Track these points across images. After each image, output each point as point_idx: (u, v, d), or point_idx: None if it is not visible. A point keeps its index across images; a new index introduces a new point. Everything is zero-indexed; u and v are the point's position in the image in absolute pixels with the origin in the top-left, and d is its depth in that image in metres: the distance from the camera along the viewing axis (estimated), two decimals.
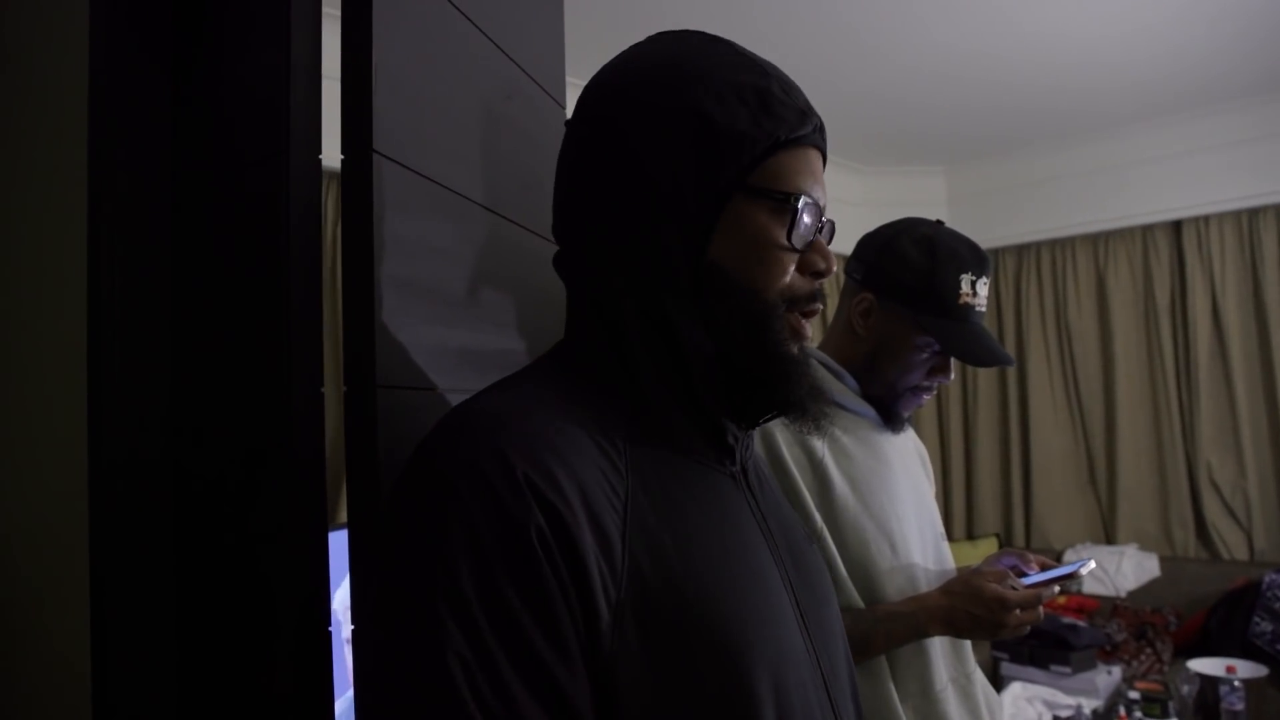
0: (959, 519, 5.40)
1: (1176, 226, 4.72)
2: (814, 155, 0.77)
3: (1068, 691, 3.26)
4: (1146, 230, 4.80)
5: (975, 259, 1.42)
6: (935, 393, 1.46)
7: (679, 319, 0.72)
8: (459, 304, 1.03)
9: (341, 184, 0.86)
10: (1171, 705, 3.08)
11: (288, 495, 0.85)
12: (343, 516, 2.63)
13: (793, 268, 0.75)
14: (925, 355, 1.42)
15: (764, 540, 0.76)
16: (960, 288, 1.40)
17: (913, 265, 1.41)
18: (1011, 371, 5.26)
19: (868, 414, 1.45)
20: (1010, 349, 5.28)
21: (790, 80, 0.77)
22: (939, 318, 1.39)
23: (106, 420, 0.91)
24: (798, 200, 0.73)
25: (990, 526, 5.30)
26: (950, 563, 1.49)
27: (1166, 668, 3.75)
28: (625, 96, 0.75)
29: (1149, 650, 3.84)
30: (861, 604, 1.30)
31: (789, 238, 0.73)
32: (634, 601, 0.62)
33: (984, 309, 1.45)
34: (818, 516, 1.31)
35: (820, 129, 0.77)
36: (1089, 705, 3.11)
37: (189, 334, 0.93)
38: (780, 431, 1.34)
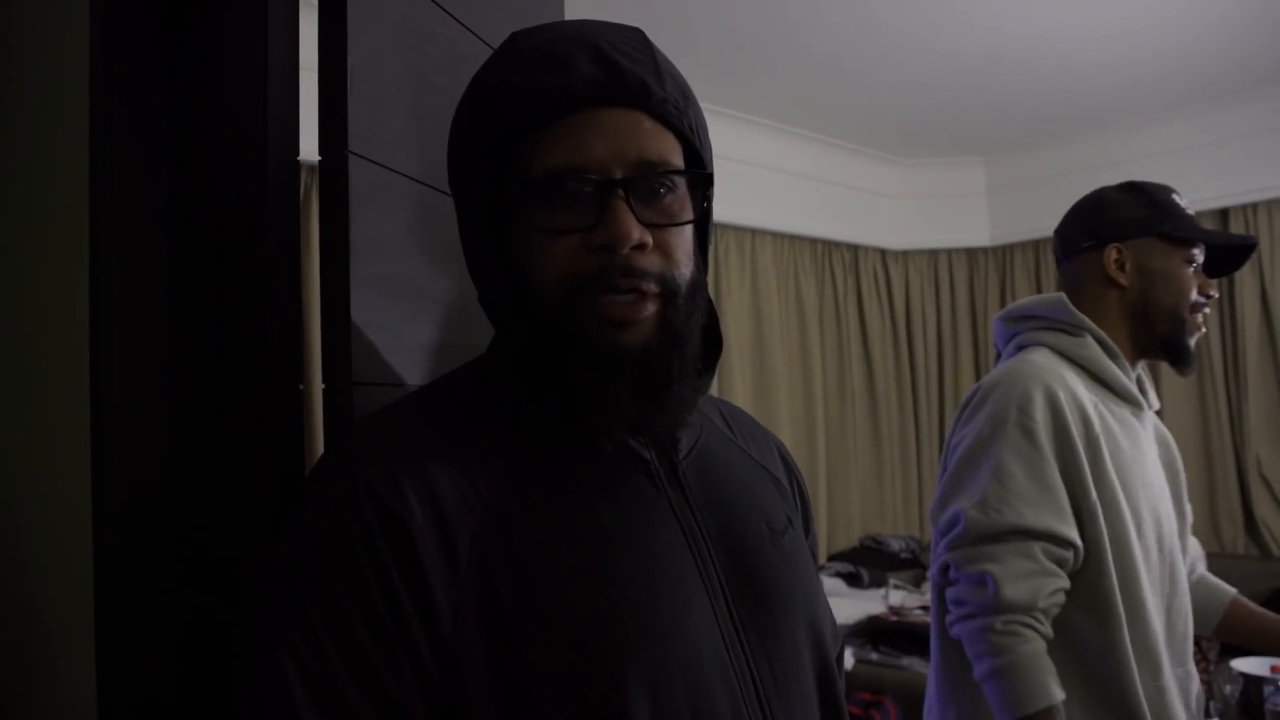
0: None
1: (1223, 214, 4.60)
2: (577, 120, 0.68)
3: None
4: None
5: (1166, 186, 1.57)
6: (1208, 314, 1.58)
7: (513, 335, 0.73)
8: (445, 301, 1.04)
9: (319, 185, 0.88)
10: (1213, 705, 3.00)
11: (267, 495, 0.87)
12: None
13: (568, 252, 0.68)
14: (1191, 270, 1.52)
15: (685, 540, 0.73)
16: (1179, 202, 1.54)
17: (1133, 202, 1.55)
18: None
19: (1134, 395, 1.53)
20: None
21: (553, 48, 0.70)
22: (1186, 224, 1.51)
23: (107, 429, 0.93)
24: (522, 185, 0.69)
25: None
26: (1181, 561, 1.54)
27: (1213, 666, 3.65)
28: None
29: (1194, 648, 3.75)
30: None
31: (530, 221, 0.69)
32: (479, 598, 0.64)
33: None
34: (1093, 491, 1.39)
35: (607, 82, 0.68)
36: None
37: (179, 336, 0.96)
38: (1067, 403, 1.42)
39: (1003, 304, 5.36)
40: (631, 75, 0.69)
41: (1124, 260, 1.53)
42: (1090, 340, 1.51)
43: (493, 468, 0.68)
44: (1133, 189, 1.56)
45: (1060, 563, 1.35)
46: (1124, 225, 1.53)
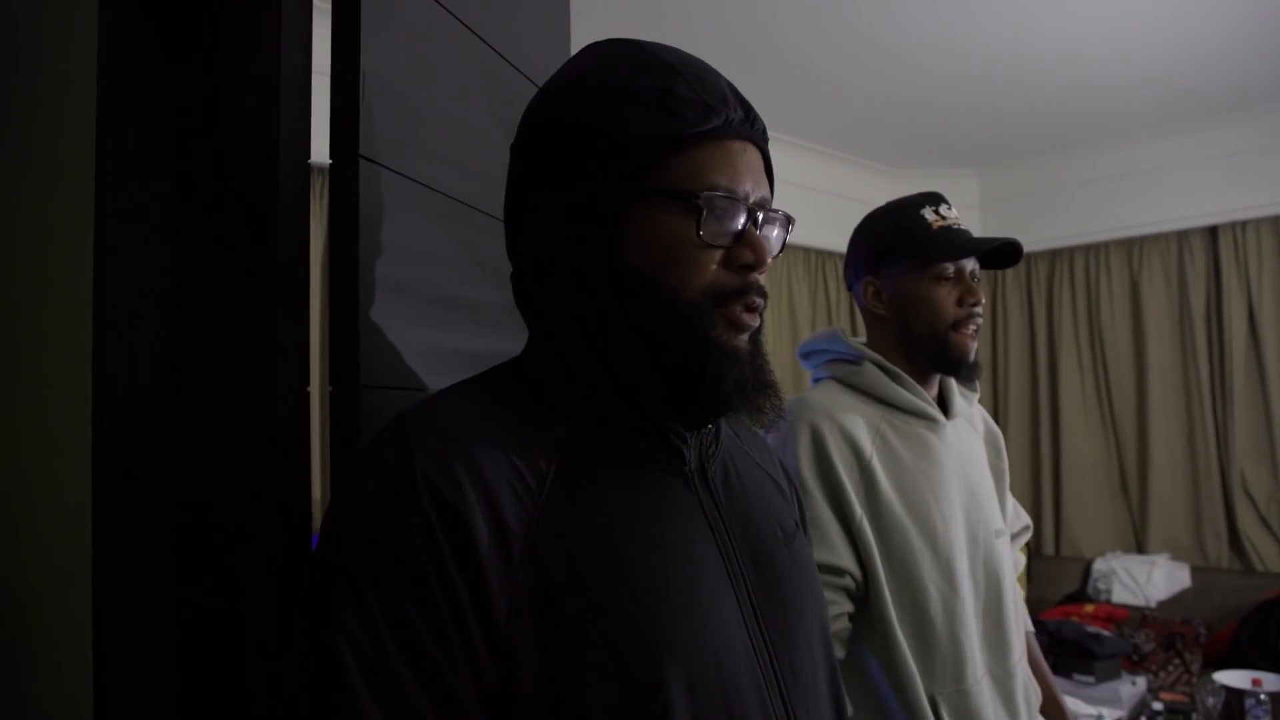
0: None
1: (1212, 232, 4.64)
2: (733, 147, 0.76)
3: (1090, 701, 3.22)
4: (1182, 235, 4.73)
5: (927, 195, 1.54)
6: (979, 322, 1.53)
7: (600, 326, 0.75)
8: (452, 305, 1.05)
9: (329, 188, 0.88)
10: (1195, 717, 3.03)
11: (272, 495, 0.87)
12: None
13: (714, 264, 0.74)
14: (944, 288, 1.49)
15: (713, 540, 0.77)
16: (926, 219, 1.51)
17: (878, 231, 1.55)
18: (1043, 376, 5.21)
19: (925, 410, 1.50)
20: (1042, 354, 5.23)
21: (707, 75, 0.77)
22: (926, 244, 1.48)
23: (109, 426, 0.93)
24: (699, 197, 0.72)
25: None
26: (1004, 562, 1.52)
27: (1195, 679, 3.68)
28: (537, 118, 0.80)
29: (1177, 661, 3.78)
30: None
31: (699, 234, 0.73)
32: (532, 592, 0.66)
33: (966, 228, 1.53)
34: (859, 510, 1.39)
35: (746, 120, 0.77)
36: (1111, 715, 3.07)
37: (186, 336, 0.96)
38: (830, 434, 1.42)
39: (994, 316, 5.40)
40: (759, 119, 0.78)
41: (880, 292, 1.55)
42: (869, 366, 1.52)
43: (540, 463, 0.71)
44: (885, 213, 1.56)
45: (841, 589, 1.38)
46: (872, 259, 1.55)
